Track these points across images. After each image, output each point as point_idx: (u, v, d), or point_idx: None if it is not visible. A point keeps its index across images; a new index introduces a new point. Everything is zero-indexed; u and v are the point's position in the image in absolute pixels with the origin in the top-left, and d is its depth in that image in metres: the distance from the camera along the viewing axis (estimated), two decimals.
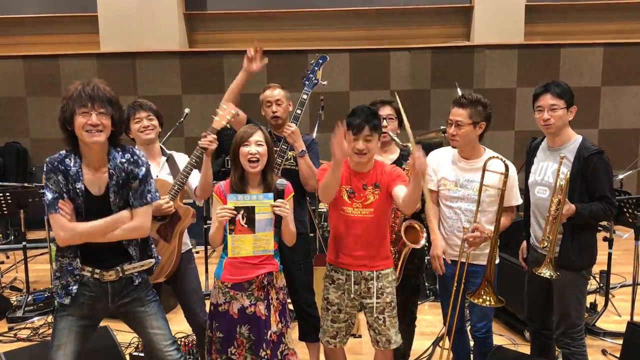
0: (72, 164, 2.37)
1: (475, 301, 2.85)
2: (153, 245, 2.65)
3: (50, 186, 2.35)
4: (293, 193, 2.80)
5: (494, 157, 2.87)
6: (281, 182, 2.69)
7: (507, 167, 2.83)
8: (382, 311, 2.83)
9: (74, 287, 2.42)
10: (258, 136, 2.69)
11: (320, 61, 3.31)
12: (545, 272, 2.77)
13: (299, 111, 3.20)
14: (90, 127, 2.30)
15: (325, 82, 3.28)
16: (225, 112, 3.09)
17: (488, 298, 2.83)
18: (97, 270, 2.44)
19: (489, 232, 2.87)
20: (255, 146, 2.66)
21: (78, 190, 2.36)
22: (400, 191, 2.69)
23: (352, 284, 2.82)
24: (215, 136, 2.99)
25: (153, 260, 2.60)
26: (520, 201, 3.04)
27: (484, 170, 2.86)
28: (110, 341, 3.25)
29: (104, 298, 2.48)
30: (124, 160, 2.44)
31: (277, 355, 2.70)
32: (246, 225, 2.60)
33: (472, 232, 2.86)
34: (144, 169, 2.48)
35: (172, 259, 3.00)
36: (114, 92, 2.41)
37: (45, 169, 2.37)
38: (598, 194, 2.80)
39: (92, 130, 2.30)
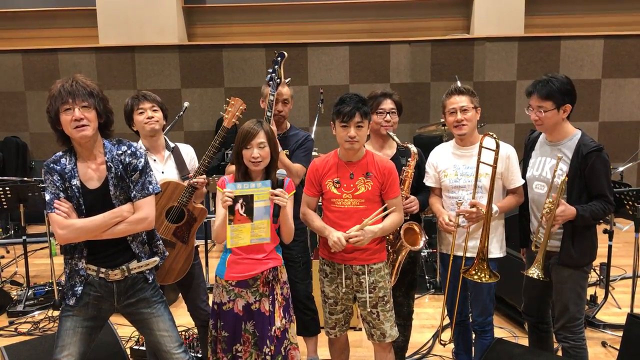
0: (67, 163, 2.38)
1: (468, 278, 2.83)
2: (160, 242, 2.63)
3: (48, 187, 2.36)
4: (295, 191, 2.78)
5: (489, 134, 2.83)
6: (281, 172, 2.67)
7: (497, 144, 2.78)
8: (375, 305, 2.82)
9: (79, 288, 2.42)
10: (260, 138, 2.64)
11: (279, 59, 3.26)
12: (534, 272, 2.74)
13: (269, 113, 3.14)
14: (75, 123, 2.29)
15: (288, 79, 3.24)
16: (234, 109, 3.07)
17: (481, 274, 2.79)
18: (103, 270, 2.42)
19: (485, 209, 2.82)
20: (257, 149, 2.63)
21: (74, 187, 2.36)
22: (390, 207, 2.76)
23: (343, 278, 2.82)
24: (204, 176, 2.96)
25: (157, 259, 2.57)
26: (523, 181, 2.98)
27: (480, 147, 2.83)
28: (110, 335, 3.24)
29: (109, 298, 2.47)
30: (120, 152, 2.43)
31: (280, 352, 2.69)
32: (245, 214, 2.59)
33: (470, 208, 2.84)
34: (142, 160, 2.47)
35: (190, 260, 2.99)
36: (95, 84, 2.39)
37: (43, 172, 2.39)
38: (596, 193, 2.77)
39: (78, 126, 2.30)
